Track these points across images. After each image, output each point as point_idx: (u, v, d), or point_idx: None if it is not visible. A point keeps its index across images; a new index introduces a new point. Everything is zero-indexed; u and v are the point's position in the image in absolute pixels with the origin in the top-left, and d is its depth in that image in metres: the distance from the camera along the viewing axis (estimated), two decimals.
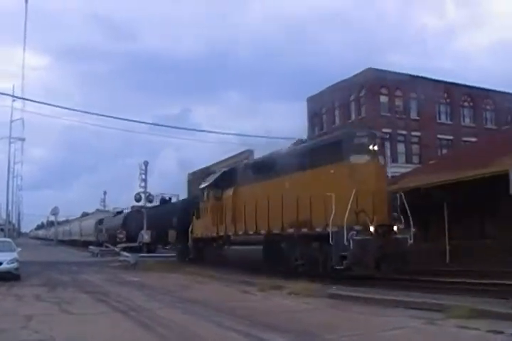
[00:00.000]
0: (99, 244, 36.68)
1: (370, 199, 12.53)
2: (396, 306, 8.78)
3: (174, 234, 25.07)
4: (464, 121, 37.49)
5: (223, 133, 59.04)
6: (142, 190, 27.02)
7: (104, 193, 62.42)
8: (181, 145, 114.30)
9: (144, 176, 26.73)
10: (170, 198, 31.25)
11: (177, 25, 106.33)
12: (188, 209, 23.42)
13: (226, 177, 19.45)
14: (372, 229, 12.18)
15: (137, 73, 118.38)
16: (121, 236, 31.06)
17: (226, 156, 47.44)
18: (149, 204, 28.42)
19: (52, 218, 74.31)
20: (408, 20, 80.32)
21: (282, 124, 64.04)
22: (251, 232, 16.35)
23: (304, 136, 35.94)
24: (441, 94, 35.95)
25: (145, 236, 27.14)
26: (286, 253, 14.53)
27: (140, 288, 13.98)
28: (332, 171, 12.99)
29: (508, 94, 35.79)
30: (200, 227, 21.10)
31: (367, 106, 35.23)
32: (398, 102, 35.23)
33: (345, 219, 11.95)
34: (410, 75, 34.04)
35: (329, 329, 7.39)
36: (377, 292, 10.22)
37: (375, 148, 12.91)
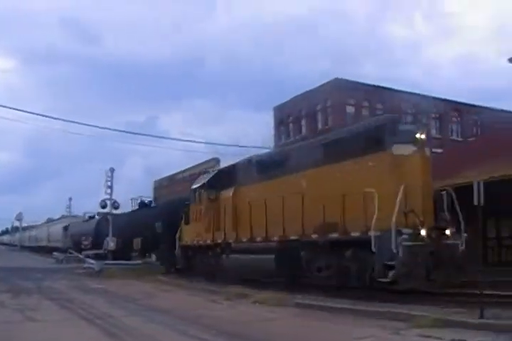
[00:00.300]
0: (64, 251, 34.96)
1: (419, 197, 10.48)
2: (365, 316, 8.69)
3: (139, 241, 24.57)
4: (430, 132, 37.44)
5: (190, 141, 59.05)
6: (108, 196, 26.66)
7: (70, 199, 61.27)
8: (148, 153, 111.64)
9: (109, 183, 26.47)
10: (151, 201, 28.65)
11: (145, 31, 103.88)
12: (175, 212, 20.92)
13: (223, 176, 17.12)
14: (424, 232, 10.10)
15: (104, 78, 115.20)
16: (86, 242, 30.21)
17: (192, 164, 47.76)
18: (115, 211, 27.49)
19: (17, 223, 73.03)
20: (376, 31, 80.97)
21: (249, 132, 64.30)
22: (259, 239, 14.04)
23: (271, 144, 38.19)
24: (408, 106, 35.39)
25: (110, 243, 25.98)
26: (306, 263, 12.28)
27: (105, 296, 13.99)
28: (371, 164, 10.88)
29: (475, 106, 36.68)
30: (190, 233, 18.62)
31: (333, 116, 35.17)
32: (365, 113, 34.95)
33: (394, 220, 9.85)
34: (377, 86, 34.35)
35: (292, 338, 7.58)
36: (345, 302, 10.03)
37: (423, 136, 10.88)
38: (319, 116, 36.63)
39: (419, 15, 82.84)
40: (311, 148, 12.89)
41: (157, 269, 22.21)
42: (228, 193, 16.35)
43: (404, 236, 9.88)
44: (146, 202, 28.44)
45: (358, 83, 34.22)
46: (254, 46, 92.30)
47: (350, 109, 35.07)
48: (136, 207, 28.66)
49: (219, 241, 16.25)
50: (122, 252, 25.90)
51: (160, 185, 57.24)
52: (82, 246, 30.18)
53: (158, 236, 22.04)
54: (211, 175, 17.82)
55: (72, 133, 43.07)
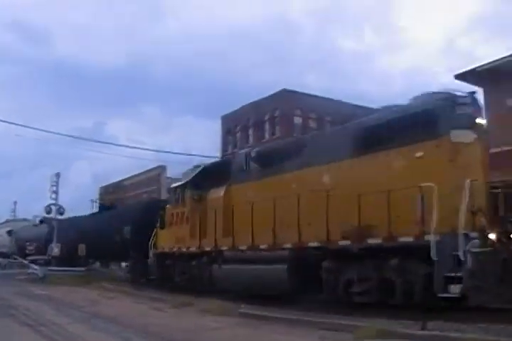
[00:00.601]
0: (8, 256, 32.79)
1: (483, 194, 8.66)
2: (309, 326, 8.59)
3: (83, 247, 23.50)
4: None
5: (137, 148, 57.07)
6: (53, 201, 26.15)
7: (15, 203, 58.73)
8: (96, 159, 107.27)
9: (55, 188, 26.07)
10: (113, 204, 25.83)
11: (94, 35, 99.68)
12: (147, 215, 18.42)
13: (211, 173, 14.83)
14: (493, 236, 8.26)
15: (52, 81, 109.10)
16: (31, 248, 29.03)
17: (139, 171, 48.01)
18: (60, 217, 26.81)
19: None
20: (325, 43, 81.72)
21: (198, 141, 63.65)
22: (264, 246, 11.83)
23: (218, 153, 38.39)
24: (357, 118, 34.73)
25: (55, 249, 25.21)
26: (330, 275, 10.18)
27: (49, 302, 13.80)
28: (419, 154, 8.95)
29: None
30: (169, 239, 16.16)
31: (281, 126, 35.58)
32: (312, 124, 35.46)
33: (462, 221, 7.96)
34: (325, 98, 34.95)
35: None
36: (291, 312, 9.83)
37: (483, 121, 9.08)
38: (267, 126, 36.95)
39: (368, 28, 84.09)
40: (339, 135, 10.81)
41: (102, 276, 22.10)
42: (218, 193, 14.09)
43: (474, 241, 8.00)
44: (109, 204, 25.57)
45: (305, 94, 34.87)
46: (202, 54, 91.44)
47: (297, 120, 35.73)
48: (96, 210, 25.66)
49: (207, 248, 13.92)
50: (71, 258, 24.49)
51: (106, 191, 56.64)
52: (27, 252, 28.94)
53: (128, 242, 19.35)
54: (196, 172, 15.44)
55: (17, 136, 40.10)
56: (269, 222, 11.57)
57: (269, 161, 12.39)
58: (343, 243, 9.87)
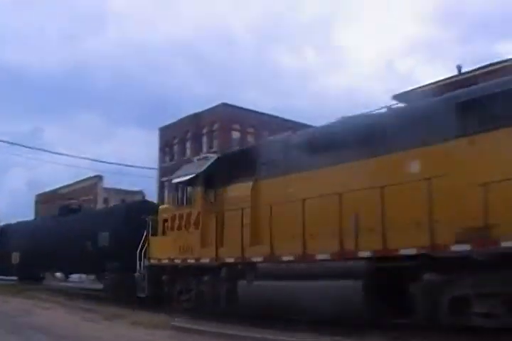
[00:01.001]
0: None
1: None
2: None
3: (17, 255, 21.77)
4: None
5: (73, 156, 55.02)
6: None
7: None
8: (31, 166, 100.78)
9: None
10: (80, 206, 22.20)
11: (39, 42, 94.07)
12: (133, 219, 15.25)
13: (229, 165, 11.95)
14: None
15: None
16: None
17: (75, 180, 46.90)
18: None
19: None
20: (266, 60, 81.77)
21: (135, 152, 61.80)
22: (322, 256, 9.08)
23: (155, 165, 37.98)
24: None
25: None
26: (431, 292, 7.57)
27: None
28: None
29: None
30: (166, 249, 13.00)
31: (219, 140, 35.71)
32: (250, 139, 35.51)
33: None
34: (264, 113, 35.39)
35: None
36: (223, 326, 9.81)
37: None
38: (205, 139, 36.98)
39: (309, 47, 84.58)
40: (441, 108, 8.25)
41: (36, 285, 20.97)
42: (242, 189, 11.27)
43: None
44: (74, 207, 21.91)
45: (244, 109, 35.18)
46: (144, 66, 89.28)
47: (235, 134, 35.89)
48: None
49: (229, 259, 11.00)
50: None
51: (42, 200, 54.17)
52: None
53: (105, 251, 15.99)
54: (208, 163, 12.49)
55: None
56: (330, 224, 8.90)
57: (324, 148, 9.69)
58: (458, 248, 7.29)
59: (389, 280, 8.07)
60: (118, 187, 45.24)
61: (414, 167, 8.05)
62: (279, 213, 9.99)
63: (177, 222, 12.82)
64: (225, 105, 35.23)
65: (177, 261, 12.59)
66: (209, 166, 12.34)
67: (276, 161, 10.74)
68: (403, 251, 7.88)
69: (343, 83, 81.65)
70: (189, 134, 37.99)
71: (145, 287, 13.68)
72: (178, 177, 13.07)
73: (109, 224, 16.21)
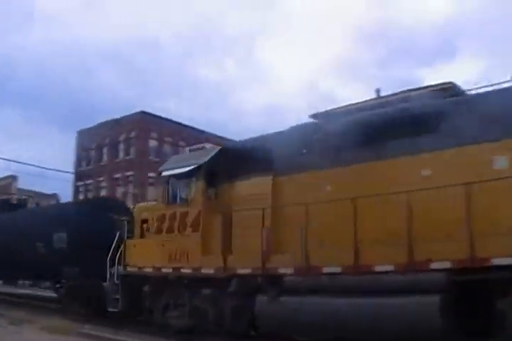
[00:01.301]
0: None
1: None
2: None
3: None
4: None
5: None
6: None
7: None
8: None
9: None
10: (25, 199, 19.02)
11: None
12: (99, 218, 12.89)
13: (236, 156, 9.95)
14: None
15: None
16: None
17: None
18: None
19: None
20: (188, 70, 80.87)
21: (53, 154, 60.33)
22: (382, 268, 7.34)
23: (71, 168, 38.07)
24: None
25: None
26: None
27: None
28: None
29: None
30: (151, 255, 10.77)
31: (136, 147, 35.66)
32: (167, 148, 36.08)
33: None
34: (181, 124, 35.81)
35: None
36: (136, 335, 9.84)
37: None
38: (122, 146, 36.62)
39: (231, 61, 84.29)
40: None
41: None
42: (258, 186, 9.38)
43: None
44: (14, 202, 18.73)
45: (163, 118, 35.53)
46: (67, 67, 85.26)
47: (153, 143, 36.03)
48: None
49: (243, 270, 9.02)
50: None
51: None
52: None
53: (61, 255, 13.39)
54: (211, 154, 10.42)
55: None
56: (394, 228, 7.27)
57: (374, 136, 8.04)
58: None
59: (470, 294, 6.58)
60: (32, 189, 41.94)
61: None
62: (317, 214, 8.22)
63: (167, 222, 10.64)
64: (143, 113, 35.31)
65: (166, 271, 10.41)
66: (213, 157, 10.29)
67: (302, 153, 8.97)
68: (495, 261, 6.35)
69: (263, 99, 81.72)
70: (107, 140, 37.50)
71: (119, 300, 11.36)
72: (171, 169, 10.87)
73: (67, 222, 13.55)
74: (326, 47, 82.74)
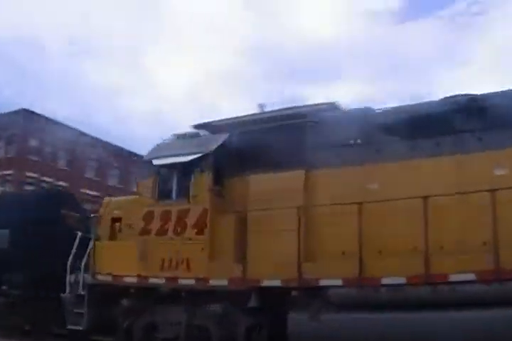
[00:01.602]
0: None
1: None
2: None
3: None
4: (110, 181, 38.28)
5: None
6: None
7: None
8: None
9: None
10: None
11: None
12: (52, 214, 10.73)
13: (243, 147, 8.36)
14: None
15: None
16: None
17: None
18: None
19: None
20: (75, 72, 77.07)
21: None
22: (460, 277, 6.19)
23: None
24: (94, 151, 35.05)
25: None
26: None
27: None
28: None
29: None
30: (133, 261, 8.79)
31: (17, 145, 34.32)
32: (48, 149, 34.71)
33: None
34: (64, 125, 33.43)
35: None
36: None
37: None
38: (2, 144, 35.01)
39: (117, 65, 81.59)
40: None
41: None
42: (286, 182, 7.89)
43: None
44: None
45: (46, 118, 33.56)
46: None
47: (34, 143, 34.23)
48: None
49: (271, 282, 7.45)
50: None
51: None
52: None
53: (2, 257, 10.82)
54: (220, 142, 8.67)
55: None
56: (474, 231, 6.24)
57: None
58: None
59: None
60: None
61: None
62: (370, 216, 6.95)
63: (158, 222, 8.72)
64: (25, 111, 33.48)
65: (155, 281, 8.50)
66: (221, 145, 8.59)
67: (348, 145, 7.69)
68: None
69: (148, 106, 79.32)
70: None
71: (84, 315, 9.20)
72: (163, 157, 8.96)
73: (9, 218, 10.96)
74: (214, 58, 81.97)
